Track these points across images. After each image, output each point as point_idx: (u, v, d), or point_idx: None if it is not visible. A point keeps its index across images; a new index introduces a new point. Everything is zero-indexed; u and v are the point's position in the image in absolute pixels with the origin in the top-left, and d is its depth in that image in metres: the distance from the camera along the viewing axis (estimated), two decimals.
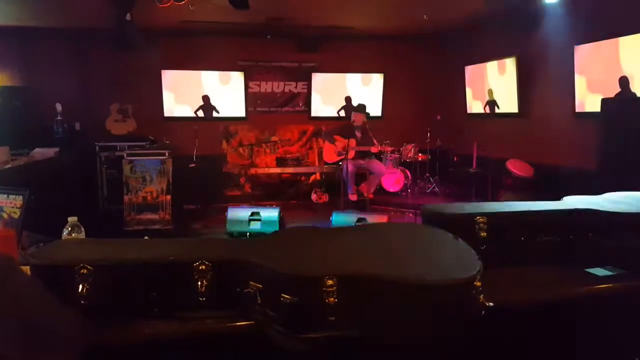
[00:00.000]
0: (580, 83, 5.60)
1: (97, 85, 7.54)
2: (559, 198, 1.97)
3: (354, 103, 8.64)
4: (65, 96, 7.17)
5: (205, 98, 8.19)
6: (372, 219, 5.18)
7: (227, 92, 8.26)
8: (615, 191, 2.09)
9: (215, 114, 8.24)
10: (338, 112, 8.78)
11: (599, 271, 1.69)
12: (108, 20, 6.03)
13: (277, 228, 5.22)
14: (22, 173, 5.06)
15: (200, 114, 8.23)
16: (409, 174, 7.56)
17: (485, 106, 7.48)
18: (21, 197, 2.05)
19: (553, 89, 6.19)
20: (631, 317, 1.62)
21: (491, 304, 1.26)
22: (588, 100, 5.53)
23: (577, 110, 5.66)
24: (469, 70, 7.86)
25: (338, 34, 7.85)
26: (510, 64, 6.80)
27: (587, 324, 1.59)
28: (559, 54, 5.88)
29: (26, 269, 1.29)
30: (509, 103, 6.97)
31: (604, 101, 4.76)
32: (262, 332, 1.26)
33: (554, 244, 1.77)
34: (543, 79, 6.40)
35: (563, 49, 5.75)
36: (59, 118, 7.02)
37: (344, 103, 8.74)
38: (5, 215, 2.05)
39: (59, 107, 6.99)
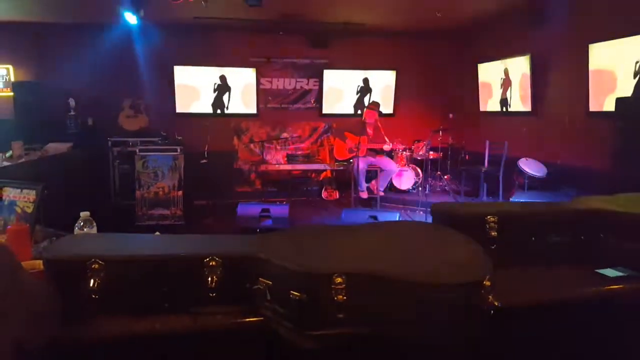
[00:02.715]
0: (594, 82, 5.54)
1: (110, 80, 7.60)
2: (571, 198, 1.95)
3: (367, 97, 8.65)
4: (78, 91, 7.24)
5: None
6: (382, 216, 5.17)
7: (238, 88, 8.28)
8: (628, 192, 2.06)
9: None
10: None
11: (610, 272, 1.67)
12: (121, 16, 6.08)
13: (287, 225, 5.23)
14: (36, 167, 5.13)
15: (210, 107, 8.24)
16: (420, 171, 7.54)
17: (501, 105, 7.41)
18: (34, 191, 2.07)
19: (567, 88, 6.12)
20: None
21: (500, 303, 1.26)
22: (602, 100, 5.46)
23: (590, 109, 5.60)
24: (482, 68, 7.80)
25: (350, 30, 7.83)
26: (524, 61, 6.73)
27: (596, 324, 1.57)
28: (573, 52, 5.81)
29: (39, 262, 1.31)
30: (522, 101, 6.90)
31: (619, 100, 4.70)
32: (272, 328, 1.26)
33: (565, 244, 1.76)
34: (557, 77, 6.33)
35: (577, 46, 5.68)
36: (72, 113, 7.10)
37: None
38: (18, 210, 2.08)
39: (72, 102, 7.07)
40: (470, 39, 8.21)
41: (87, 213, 1.81)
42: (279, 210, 5.47)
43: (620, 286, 1.60)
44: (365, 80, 8.66)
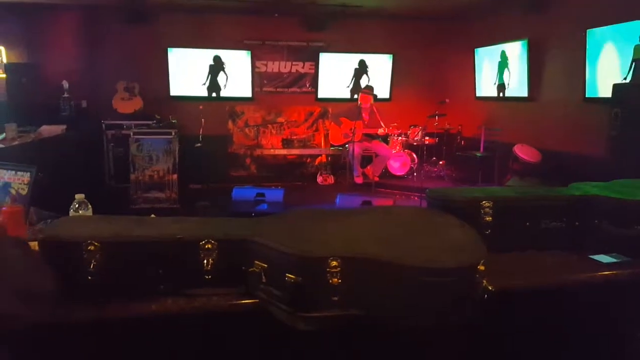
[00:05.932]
0: (591, 67, 5.53)
1: (104, 62, 7.52)
2: (566, 184, 1.95)
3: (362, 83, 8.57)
4: (72, 73, 7.16)
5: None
6: (377, 202, 5.18)
7: (233, 71, 8.21)
8: (623, 178, 2.07)
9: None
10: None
11: (604, 258, 1.68)
12: None
13: (282, 209, 5.24)
14: (30, 150, 5.10)
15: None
16: (415, 157, 7.54)
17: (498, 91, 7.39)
18: (29, 173, 2.07)
19: (563, 73, 6.11)
20: (634, 305, 1.63)
21: (494, 288, 1.27)
22: (599, 85, 5.45)
23: (587, 95, 5.59)
24: (479, 52, 7.76)
25: (347, 13, 7.74)
26: (521, 46, 6.70)
27: (589, 310, 1.59)
28: (571, 37, 5.79)
29: (34, 244, 1.31)
30: (518, 86, 6.89)
31: (616, 86, 4.69)
32: (266, 311, 1.27)
33: (559, 230, 1.76)
34: (554, 63, 6.31)
35: (575, 32, 5.66)
36: (65, 95, 7.03)
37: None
38: (13, 192, 2.07)
39: (65, 84, 6.99)
40: (468, 24, 8.15)
41: (82, 195, 1.80)
42: (274, 194, 5.46)
43: (614, 272, 1.61)
44: (362, 62, 8.58)
